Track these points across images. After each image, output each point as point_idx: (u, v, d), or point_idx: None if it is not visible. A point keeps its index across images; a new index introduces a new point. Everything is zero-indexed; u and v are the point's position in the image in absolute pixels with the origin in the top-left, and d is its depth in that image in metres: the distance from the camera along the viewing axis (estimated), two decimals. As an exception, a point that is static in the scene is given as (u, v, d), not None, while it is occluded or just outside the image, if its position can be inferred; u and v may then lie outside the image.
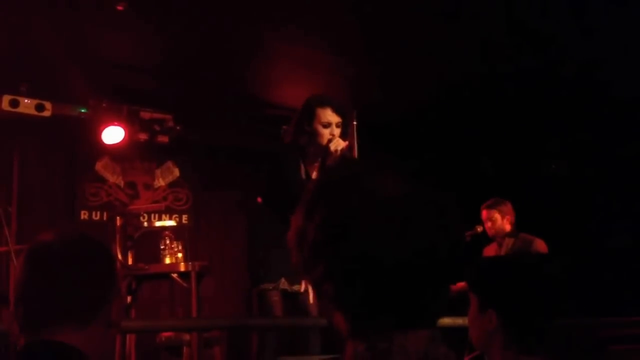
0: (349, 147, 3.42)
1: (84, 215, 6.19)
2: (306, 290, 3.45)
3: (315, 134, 3.40)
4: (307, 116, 3.42)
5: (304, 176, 3.46)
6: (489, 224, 5.05)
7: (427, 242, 0.93)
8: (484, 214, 5.08)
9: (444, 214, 0.97)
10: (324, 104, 3.41)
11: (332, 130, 3.39)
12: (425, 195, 0.98)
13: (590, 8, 4.36)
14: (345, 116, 3.45)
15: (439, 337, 0.95)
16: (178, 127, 6.06)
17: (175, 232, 5.26)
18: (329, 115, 3.39)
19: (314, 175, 3.49)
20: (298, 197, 3.30)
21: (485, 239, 5.17)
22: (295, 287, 3.44)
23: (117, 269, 1.58)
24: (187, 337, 4.94)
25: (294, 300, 3.49)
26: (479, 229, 5.14)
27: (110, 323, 1.46)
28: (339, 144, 3.36)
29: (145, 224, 5.59)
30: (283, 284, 3.42)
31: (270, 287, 3.41)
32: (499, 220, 5.03)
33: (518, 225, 5.10)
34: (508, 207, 5.08)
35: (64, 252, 1.43)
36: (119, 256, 4.48)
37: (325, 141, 3.38)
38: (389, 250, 0.92)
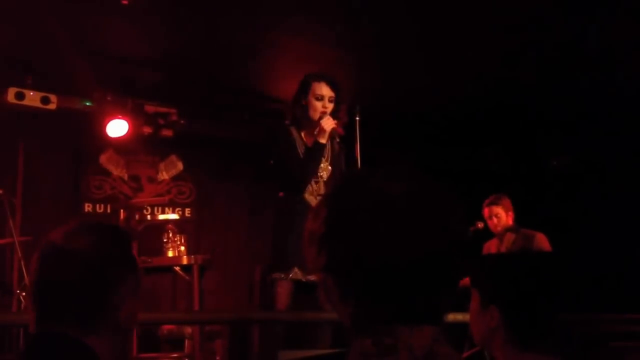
0: (339, 126, 3.58)
1: (88, 207, 6.21)
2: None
3: (309, 106, 3.57)
4: (304, 90, 3.60)
5: (301, 149, 3.59)
6: (494, 220, 5.04)
7: (428, 239, 0.95)
8: (487, 211, 5.06)
9: (447, 211, 0.99)
10: (319, 78, 3.60)
11: (324, 104, 3.57)
12: (429, 194, 1.00)
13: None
14: (339, 93, 3.62)
15: (443, 337, 0.96)
16: (182, 121, 6.09)
17: (178, 226, 5.29)
18: (323, 89, 3.57)
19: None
20: (298, 173, 3.33)
21: (485, 235, 5.17)
22: (311, 277, 3.38)
23: (135, 278, 1.47)
24: (188, 330, 4.97)
25: (310, 291, 3.45)
26: (480, 224, 5.14)
27: (118, 329, 1.41)
28: (329, 123, 3.51)
29: (149, 217, 5.59)
30: (296, 273, 3.41)
31: (281, 277, 3.42)
32: (504, 215, 5.04)
33: (520, 221, 5.11)
34: (509, 202, 5.09)
35: (77, 248, 1.40)
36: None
37: (317, 113, 3.55)
38: (387, 245, 0.94)
